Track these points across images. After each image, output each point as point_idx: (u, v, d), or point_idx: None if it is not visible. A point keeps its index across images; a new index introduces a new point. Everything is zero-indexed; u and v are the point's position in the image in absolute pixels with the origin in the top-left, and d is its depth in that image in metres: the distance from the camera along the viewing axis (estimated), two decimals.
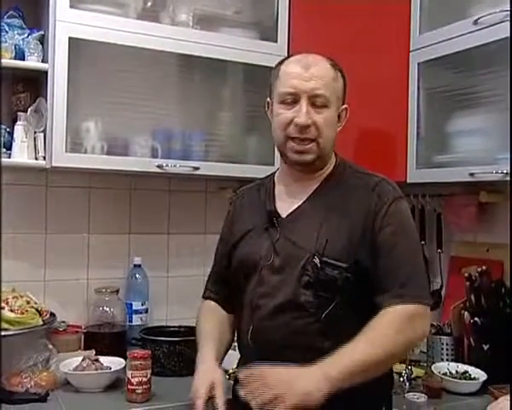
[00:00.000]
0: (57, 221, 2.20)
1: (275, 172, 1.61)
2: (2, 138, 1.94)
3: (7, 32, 1.94)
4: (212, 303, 1.63)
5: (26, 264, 2.14)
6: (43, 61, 1.92)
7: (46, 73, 1.87)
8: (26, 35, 1.95)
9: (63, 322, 2.07)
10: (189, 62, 2.10)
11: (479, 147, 1.99)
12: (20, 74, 1.98)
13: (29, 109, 1.95)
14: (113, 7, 1.96)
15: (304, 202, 1.47)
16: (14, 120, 1.96)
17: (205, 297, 1.66)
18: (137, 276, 2.28)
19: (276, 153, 1.94)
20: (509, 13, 1.80)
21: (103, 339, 2.05)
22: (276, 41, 2.17)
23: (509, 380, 1.69)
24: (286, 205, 1.48)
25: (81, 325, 2.13)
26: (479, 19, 1.91)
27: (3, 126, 1.96)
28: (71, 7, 1.87)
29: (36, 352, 1.81)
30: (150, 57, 2.00)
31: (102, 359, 1.86)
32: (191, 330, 1.70)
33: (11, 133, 1.95)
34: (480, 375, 1.88)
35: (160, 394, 1.73)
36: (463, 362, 1.98)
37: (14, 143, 1.92)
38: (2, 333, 1.70)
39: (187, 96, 2.17)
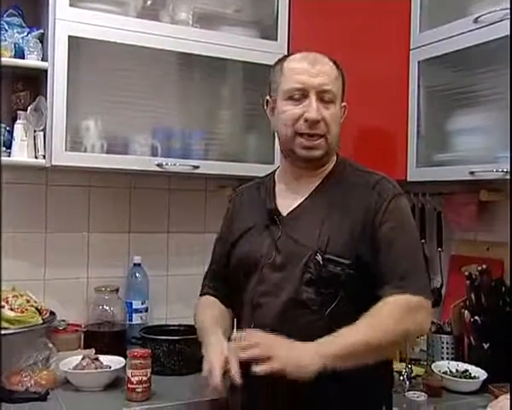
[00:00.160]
0: (57, 220, 2.20)
1: (275, 171, 1.61)
2: (1, 137, 1.93)
3: (6, 30, 1.94)
4: (211, 298, 1.62)
5: (25, 263, 2.13)
6: (42, 60, 1.92)
7: (46, 71, 1.87)
8: (25, 33, 1.95)
9: (63, 321, 2.07)
10: (188, 61, 2.10)
11: (479, 145, 1.99)
12: (20, 73, 1.98)
13: (29, 108, 1.95)
14: (112, 5, 1.96)
15: (305, 199, 1.47)
16: (14, 119, 1.95)
17: (203, 294, 1.65)
18: (137, 275, 2.28)
19: (276, 151, 1.95)
20: (509, 11, 1.79)
21: (103, 338, 2.05)
22: (276, 39, 2.17)
23: (509, 379, 1.69)
24: (287, 203, 1.48)
25: (81, 323, 2.13)
26: (479, 17, 1.91)
27: (3, 125, 1.95)
28: (70, 5, 1.87)
29: (36, 351, 1.81)
30: (150, 56, 2.00)
31: (102, 358, 1.86)
32: (191, 329, 1.69)
33: (11, 132, 1.94)
34: (480, 374, 1.88)
35: (160, 393, 1.73)
36: (463, 361, 1.98)
37: (13, 142, 1.92)
38: (2, 332, 1.70)
39: (187, 95, 2.16)
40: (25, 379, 1.71)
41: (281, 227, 1.45)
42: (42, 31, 1.96)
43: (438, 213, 2.40)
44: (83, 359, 1.82)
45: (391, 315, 1.31)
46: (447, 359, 2.05)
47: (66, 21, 1.86)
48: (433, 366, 1.95)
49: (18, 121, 1.93)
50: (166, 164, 2.01)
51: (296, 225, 1.44)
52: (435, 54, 2.11)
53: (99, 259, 2.27)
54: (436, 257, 2.37)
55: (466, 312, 1.99)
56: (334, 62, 1.48)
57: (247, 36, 2.16)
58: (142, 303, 2.26)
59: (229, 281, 1.56)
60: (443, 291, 2.35)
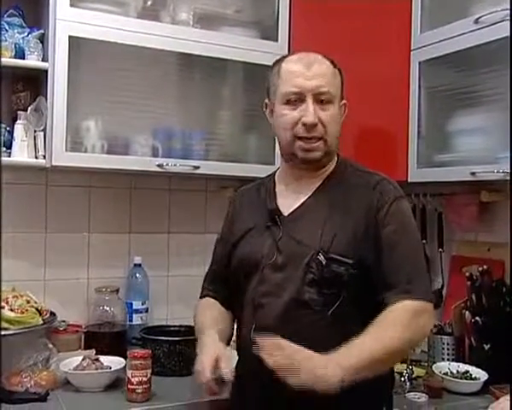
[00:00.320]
0: (57, 220, 2.20)
1: (275, 172, 1.61)
2: (2, 137, 1.93)
3: (7, 30, 1.94)
4: (211, 299, 1.62)
5: (26, 263, 2.13)
6: (43, 60, 1.92)
7: (46, 71, 1.87)
8: (26, 34, 1.95)
9: (63, 321, 2.07)
10: (189, 61, 2.10)
11: (480, 146, 1.99)
12: (20, 73, 1.98)
13: (29, 108, 1.95)
14: (113, 6, 1.96)
15: (306, 200, 1.47)
16: (14, 119, 1.95)
17: (203, 296, 1.65)
18: (138, 275, 2.28)
19: (277, 152, 1.94)
20: (509, 12, 1.79)
21: (103, 338, 2.05)
22: (276, 40, 2.17)
23: (510, 380, 1.69)
24: (287, 203, 1.48)
25: (81, 324, 2.13)
26: (480, 18, 1.90)
27: (3, 125, 1.95)
28: (71, 5, 1.87)
29: (36, 351, 1.81)
30: (150, 56, 2.00)
31: (102, 358, 1.86)
32: (191, 330, 1.69)
33: (11, 132, 1.94)
34: (481, 375, 1.87)
35: (160, 393, 1.73)
36: (464, 362, 1.98)
37: (14, 142, 1.92)
38: (2, 332, 1.70)
39: (187, 95, 2.16)
40: (25, 380, 1.71)
41: (282, 227, 1.45)
42: (42, 31, 1.96)
43: (439, 214, 2.39)
44: (83, 359, 1.82)
45: (401, 323, 1.31)
46: (448, 360, 2.05)
47: (66, 22, 1.86)
48: (433, 366, 1.95)
49: (18, 121, 1.93)
50: (167, 164, 2.01)
51: (297, 225, 1.44)
52: (436, 54, 2.11)
53: (99, 259, 2.27)
54: (437, 258, 2.37)
55: (467, 313, 1.99)
56: (331, 61, 1.47)
57: (247, 36, 2.15)
58: (143, 304, 2.26)
59: (229, 282, 1.56)
60: (444, 292, 2.34)
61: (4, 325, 1.74)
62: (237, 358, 1.54)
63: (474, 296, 2.00)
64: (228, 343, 1.56)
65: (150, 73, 2.04)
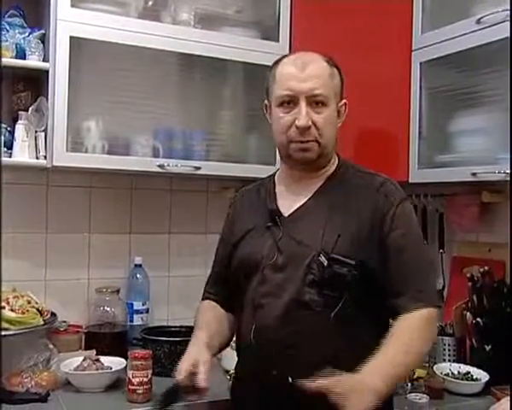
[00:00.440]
0: (58, 221, 2.20)
1: (275, 173, 1.60)
2: (2, 137, 1.93)
3: (8, 30, 1.94)
4: (211, 302, 1.63)
5: (26, 263, 2.13)
6: (44, 61, 1.92)
7: (47, 72, 1.87)
8: (26, 34, 1.95)
9: (64, 322, 2.07)
10: (190, 62, 2.10)
11: (481, 147, 1.99)
12: (21, 73, 1.98)
13: (30, 108, 1.95)
14: (114, 6, 1.96)
15: (306, 200, 1.46)
16: (15, 120, 1.95)
17: (204, 298, 1.65)
18: (138, 276, 2.27)
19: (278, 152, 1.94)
20: (509, 12, 1.79)
21: (104, 339, 2.05)
22: (277, 40, 2.17)
23: (511, 381, 1.68)
24: (287, 204, 1.48)
25: (82, 324, 2.12)
26: (481, 18, 1.90)
27: (4, 125, 1.95)
28: (72, 6, 1.87)
29: (36, 352, 1.81)
30: (151, 56, 2.00)
31: (103, 359, 1.86)
32: (192, 331, 1.69)
33: (12, 132, 1.94)
34: (482, 376, 1.87)
35: (161, 394, 1.72)
36: (465, 363, 1.98)
37: (14, 143, 1.92)
38: (3, 333, 1.69)
39: (188, 96, 2.16)
40: (25, 380, 1.71)
41: (282, 228, 1.44)
42: (43, 31, 1.96)
43: (440, 215, 2.39)
44: (84, 360, 1.82)
45: (415, 331, 1.34)
46: (449, 361, 2.04)
47: (67, 22, 1.86)
48: (434, 367, 1.95)
49: (19, 122, 1.93)
50: (168, 165, 2.01)
51: (298, 225, 1.43)
52: (437, 55, 2.11)
53: (100, 260, 2.27)
54: (438, 259, 2.37)
55: (468, 313, 1.99)
56: (328, 61, 1.45)
57: (248, 37, 2.15)
58: (143, 304, 2.26)
59: (230, 283, 1.56)
60: (445, 293, 2.34)
61: (5, 325, 1.74)
62: (236, 358, 1.55)
63: (475, 297, 1.99)
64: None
65: (151, 73, 2.04)
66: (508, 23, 1.80)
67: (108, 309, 2.11)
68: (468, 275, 2.02)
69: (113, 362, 1.85)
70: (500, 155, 1.87)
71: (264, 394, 1.39)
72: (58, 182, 2.19)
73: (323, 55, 1.46)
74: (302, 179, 1.48)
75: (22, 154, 1.91)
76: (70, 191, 2.22)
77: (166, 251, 2.40)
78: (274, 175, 1.60)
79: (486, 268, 2.00)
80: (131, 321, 2.21)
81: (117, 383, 1.79)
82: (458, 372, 1.92)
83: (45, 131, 1.92)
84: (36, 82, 2.01)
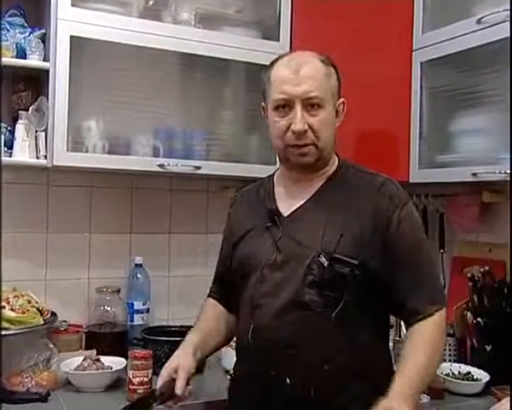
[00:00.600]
0: (58, 220, 2.20)
1: (274, 173, 1.59)
2: (3, 137, 1.93)
3: (8, 30, 1.94)
4: (213, 301, 1.64)
5: (27, 263, 2.13)
6: (44, 60, 1.92)
7: (47, 71, 1.87)
8: (27, 33, 1.95)
9: (64, 321, 2.07)
10: (190, 61, 2.10)
11: (481, 147, 1.99)
12: (22, 73, 1.98)
13: (30, 108, 1.95)
14: (114, 6, 1.96)
15: (306, 201, 1.45)
16: (16, 119, 1.95)
17: (208, 296, 1.67)
18: (139, 275, 2.27)
19: None
20: (509, 12, 1.79)
21: (104, 339, 2.05)
22: (278, 40, 2.17)
23: (511, 381, 1.68)
24: (287, 205, 1.47)
25: (82, 324, 2.13)
26: (482, 18, 1.90)
27: (4, 125, 1.96)
28: (72, 5, 1.87)
29: (37, 351, 1.81)
30: (152, 56, 2.00)
31: (103, 358, 1.86)
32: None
33: (12, 132, 1.94)
34: (482, 376, 1.87)
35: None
36: (466, 363, 1.98)
37: (15, 142, 1.92)
38: (3, 332, 1.69)
39: (189, 95, 2.16)
40: (26, 380, 1.71)
41: (281, 228, 1.43)
42: (44, 31, 1.96)
43: (440, 215, 2.39)
44: (84, 360, 1.82)
45: (436, 342, 1.36)
46: (449, 361, 2.04)
47: (68, 21, 1.86)
48: None
49: (19, 121, 1.93)
50: (168, 165, 2.01)
51: (297, 226, 1.43)
52: (438, 55, 2.10)
53: (100, 259, 2.27)
54: (438, 259, 2.36)
55: (468, 314, 1.99)
56: (323, 60, 1.42)
57: (249, 36, 2.15)
58: (144, 304, 2.26)
59: (231, 283, 1.56)
60: (445, 293, 2.34)
61: (5, 324, 1.74)
62: (235, 358, 1.55)
63: (475, 297, 1.99)
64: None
65: (152, 72, 2.04)
66: (508, 23, 1.80)
67: (109, 309, 2.11)
68: (469, 275, 2.02)
69: (114, 362, 1.85)
70: (500, 155, 1.87)
71: (262, 394, 1.39)
72: (58, 182, 2.18)
73: (319, 54, 1.44)
74: (301, 180, 1.47)
75: (22, 153, 1.91)
76: (70, 191, 2.22)
77: (167, 251, 2.40)
78: (273, 175, 1.59)
79: (487, 268, 2.00)
80: (132, 321, 2.21)
81: (117, 383, 1.79)
82: (459, 372, 1.92)
83: (46, 130, 1.92)
84: (36, 82, 2.01)
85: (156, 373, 1.74)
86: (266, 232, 1.45)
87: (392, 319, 1.87)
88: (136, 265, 2.28)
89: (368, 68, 2.12)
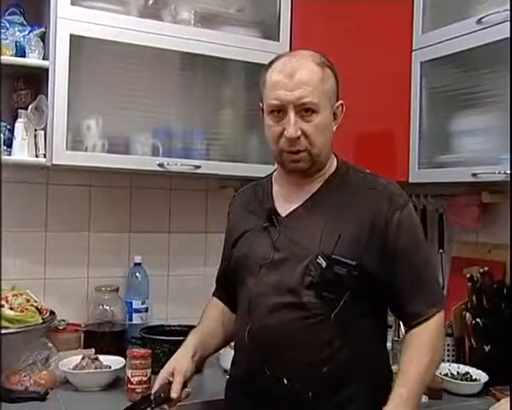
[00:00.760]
0: (57, 219, 2.20)
1: (272, 173, 1.59)
2: (2, 136, 1.93)
3: (7, 28, 1.93)
4: (215, 300, 1.65)
5: (25, 262, 2.13)
6: (44, 59, 1.92)
7: (47, 70, 1.86)
8: (26, 32, 1.95)
9: (63, 320, 2.07)
10: (190, 61, 2.10)
11: (481, 147, 1.99)
12: (21, 71, 1.98)
13: (30, 107, 1.95)
14: (114, 4, 1.96)
15: (304, 202, 1.45)
16: (15, 118, 1.95)
17: (212, 295, 1.68)
18: (137, 274, 2.27)
19: None
20: (509, 13, 1.79)
21: (103, 338, 2.05)
22: (278, 40, 2.16)
23: (510, 381, 1.68)
24: (285, 205, 1.47)
25: (81, 323, 2.13)
26: (482, 18, 1.90)
27: (4, 124, 1.95)
28: (72, 4, 1.86)
29: (35, 350, 1.81)
30: (151, 55, 2.00)
31: (102, 358, 1.85)
32: (192, 330, 1.69)
33: (11, 130, 1.94)
34: (481, 376, 1.87)
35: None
36: (465, 363, 1.98)
37: (14, 141, 1.92)
38: (2, 331, 1.70)
39: (188, 95, 2.16)
40: (24, 379, 1.71)
41: (279, 228, 1.43)
42: (43, 29, 1.95)
43: (440, 215, 2.39)
44: (82, 359, 1.82)
45: (435, 346, 1.38)
46: (448, 361, 2.04)
47: (67, 20, 1.85)
48: None
49: (19, 120, 1.93)
50: (168, 164, 2.01)
51: (295, 226, 1.42)
52: (438, 55, 2.10)
53: (99, 258, 2.26)
54: (437, 259, 2.36)
55: (467, 314, 1.99)
56: (319, 63, 1.39)
57: (249, 36, 2.15)
58: (143, 303, 2.25)
59: (231, 283, 1.55)
60: (444, 293, 2.34)
61: (4, 323, 1.73)
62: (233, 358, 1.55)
63: (474, 298, 1.99)
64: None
65: (151, 72, 2.04)
66: (508, 23, 1.80)
67: (107, 308, 2.11)
68: (468, 275, 2.02)
69: (112, 361, 1.85)
70: (500, 156, 1.87)
71: (259, 394, 1.39)
72: (58, 180, 2.18)
73: (316, 54, 1.42)
74: (299, 182, 1.46)
75: (22, 152, 1.91)
76: (69, 190, 2.21)
77: (166, 250, 2.40)
78: (272, 175, 1.58)
79: (486, 269, 2.00)
80: (130, 320, 2.21)
81: (116, 382, 1.79)
82: (457, 373, 1.92)
83: (45, 129, 1.91)
84: (36, 80, 2.01)
85: (155, 372, 1.75)
86: (264, 232, 1.45)
87: (391, 319, 1.87)
88: (135, 264, 2.28)
89: (367, 68, 2.12)
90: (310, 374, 1.34)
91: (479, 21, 1.91)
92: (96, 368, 1.80)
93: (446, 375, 1.90)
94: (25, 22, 2.00)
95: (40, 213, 2.17)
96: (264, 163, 2.11)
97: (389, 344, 1.90)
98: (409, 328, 1.40)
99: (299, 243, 1.39)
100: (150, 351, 1.75)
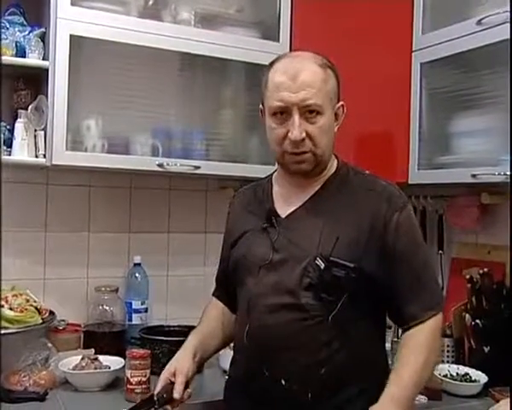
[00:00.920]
0: (57, 219, 2.20)
1: (272, 173, 1.59)
2: (2, 136, 1.93)
3: (8, 28, 1.93)
4: (216, 301, 1.65)
5: (25, 262, 2.13)
6: (44, 59, 1.92)
7: (47, 70, 1.86)
8: (26, 32, 1.95)
9: (62, 320, 2.07)
10: (190, 61, 2.10)
11: (481, 148, 1.99)
12: (21, 72, 1.98)
13: (30, 107, 1.95)
14: (114, 5, 1.95)
15: (304, 203, 1.44)
16: (15, 118, 1.95)
17: (212, 295, 1.68)
18: (137, 275, 2.27)
19: None
20: (509, 14, 1.79)
21: (103, 338, 2.05)
22: (278, 40, 2.16)
23: (509, 383, 1.68)
24: (285, 206, 1.46)
25: (80, 323, 2.13)
26: (482, 19, 1.90)
27: (4, 124, 1.95)
28: (72, 4, 1.86)
29: (35, 350, 1.81)
30: (151, 55, 2.00)
31: (102, 358, 1.86)
32: (191, 330, 1.69)
33: (11, 131, 1.94)
34: (480, 377, 1.87)
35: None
36: (464, 364, 1.98)
37: (14, 141, 1.92)
38: (2, 331, 1.70)
39: (188, 95, 2.16)
40: (24, 379, 1.71)
41: (278, 229, 1.42)
42: (43, 29, 1.95)
43: (439, 216, 2.39)
44: (82, 359, 1.82)
45: (430, 347, 1.36)
46: (447, 362, 2.04)
47: (67, 20, 1.85)
48: None
49: (19, 120, 1.93)
50: (167, 164, 2.01)
51: (295, 227, 1.42)
52: (438, 56, 2.10)
53: (99, 258, 2.26)
54: (437, 260, 2.36)
55: (467, 315, 1.99)
56: (321, 64, 1.38)
57: (248, 36, 2.15)
58: (142, 303, 2.25)
59: (231, 283, 1.56)
60: (443, 294, 2.34)
61: (3, 323, 1.73)
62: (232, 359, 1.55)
63: (474, 299, 1.99)
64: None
65: (151, 72, 2.04)
66: (508, 25, 1.80)
67: (107, 308, 2.11)
68: (468, 277, 2.02)
69: (112, 361, 1.85)
70: (500, 157, 1.87)
71: (258, 395, 1.39)
72: (57, 181, 2.18)
73: (317, 55, 1.41)
74: (300, 183, 1.46)
75: (22, 152, 1.91)
76: (69, 190, 2.21)
77: (166, 250, 2.40)
78: (272, 176, 1.58)
79: (486, 270, 2.00)
80: (130, 320, 2.20)
81: (115, 383, 1.79)
82: (457, 374, 1.92)
83: (45, 129, 1.91)
84: (36, 80, 2.01)
85: (154, 373, 1.75)
86: (263, 233, 1.45)
87: (390, 320, 1.87)
88: (135, 264, 2.27)
89: (367, 69, 2.12)
90: (308, 376, 1.34)
91: (479, 22, 1.91)
92: (95, 368, 1.80)
93: (446, 376, 1.90)
94: (25, 22, 2.00)
95: (40, 214, 2.17)
96: (264, 164, 2.11)
97: (388, 345, 1.90)
98: (404, 330, 1.39)
99: (298, 244, 1.39)
100: (150, 351, 1.75)
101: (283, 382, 1.34)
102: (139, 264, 2.28)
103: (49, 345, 1.87)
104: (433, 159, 2.15)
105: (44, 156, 1.90)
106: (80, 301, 2.21)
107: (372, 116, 2.15)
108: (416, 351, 1.34)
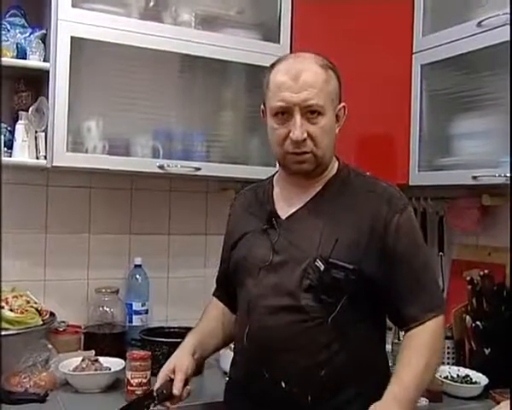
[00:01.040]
0: (58, 221, 2.20)
1: (273, 175, 1.59)
2: (2, 137, 1.93)
3: (8, 30, 1.94)
4: (216, 301, 1.66)
5: (26, 263, 2.13)
6: (44, 61, 1.92)
7: (48, 72, 1.86)
8: (27, 34, 1.95)
9: (63, 322, 2.07)
10: (191, 63, 2.10)
11: (481, 150, 1.99)
12: (22, 73, 1.98)
13: (30, 108, 1.95)
14: (115, 6, 1.96)
15: (304, 205, 1.44)
16: (16, 119, 1.95)
17: (213, 295, 1.69)
18: (138, 276, 2.27)
19: None
20: (509, 16, 1.79)
21: (103, 339, 2.05)
22: (278, 42, 2.17)
23: (510, 384, 1.68)
24: (285, 207, 1.47)
25: (81, 325, 2.13)
26: (482, 21, 1.90)
27: (4, 125, 1.96)
28: (73, 6, 1.87)
29: (35, 352, 1.81)
30: (152, 57, 2.00)
31: (102, 359, 1.85)
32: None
33: (12, 132, 1.94)
34: (481, 379, 1.87)
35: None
36: (465, 366, 1.98)
37: (15, 143, 1.92)
38: (2, 333, 1.70)
39: (189, 97, 2.16)
40: (24, 380, 1.71)
41: (279, 230, 1.43)
42: (44, 31, 1.96)
43: (440, 218, 2.39)
44: (82, 360, 1.82)
45: (431, 349, 1.35)
46: (448, 364, 2.04)
47: (68, 22, 1.86)
48: None
49: (19, 122, 1.93)
50: (168, 166, 2.01)
51: (295, 229, 1.42)
52: (438, 58, 2.10)
53: (99, 260, 2.26)
54: (437, 262, 2.36)
55: (467, 317, 1.99)
56: (322, 65, 1.39)
57: (249, 38, 2.15)
58: (143, 305, 2.25)
59: (232, 284, 1.56)
60: (444, 296, 2.34)
61: (4, 325, 1.74)
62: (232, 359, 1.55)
63: (474, 301, 1.99)
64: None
65: (152, 74, 2.04)
66: (508, 27, 1.80)
67: (108, 310, 2.11)
68: (468, 278, 2.02)
69: (112, 363, 1.85)
70: (501, 159, 1.87)
71: (257, 397, 1.39)
72: (58, 182, 2.18)
73: (319, 56, 1.42)
74: (301, 184, 1.46)
75: (22, 154, 1.91)
76: (70, 191, 2.22)
77: (166, 252, 2.40)
78: (272, 177, 1.58)
79: (486, 272, 2.00)
80: (130, 322, 2.20)
81: (116, 384, 1.79)
82: (457, 375, 1.92)
83: (45, 131, 1.91)
84: (36, 82, 2.01)
85: (155, 374, 1.75)
86: (264, 235, 1.45)
87: (390, 322, 1.87)
88: (136, 265, 2.28)
89: (368, 71, 2.12)
90: (307, 378, 1.34)
91: (479, 24, 1.91)
92: (95, 370, 1.80)
93: (446, 378, 1.90)
94: (26, 24, 2.00)
95: (40, 215, 2.17)
96: (264, 165, 2.11)
97: (389, 347, 1.90)
98: (405, 332, 1.39)
99: (298, 245, 1.39)
100: (150, 353, 1.75)
101: (283, 384, 1.34)
102: (140, 265, 2.28)
103: (50, 346, 1.87)
104: (434, 160, 2.15)
105: (45, 158, 1.91)
106: (81, 302, 2.21)
107: (373, 118, 2.15)
108: (417, 352, 1.34)
